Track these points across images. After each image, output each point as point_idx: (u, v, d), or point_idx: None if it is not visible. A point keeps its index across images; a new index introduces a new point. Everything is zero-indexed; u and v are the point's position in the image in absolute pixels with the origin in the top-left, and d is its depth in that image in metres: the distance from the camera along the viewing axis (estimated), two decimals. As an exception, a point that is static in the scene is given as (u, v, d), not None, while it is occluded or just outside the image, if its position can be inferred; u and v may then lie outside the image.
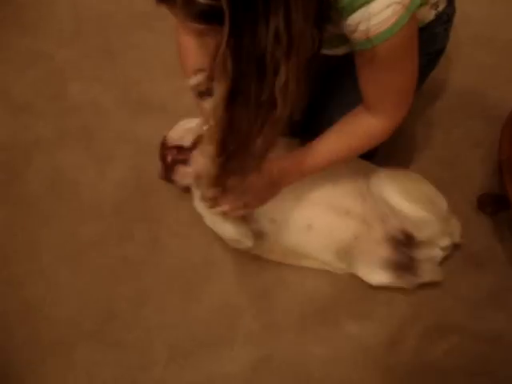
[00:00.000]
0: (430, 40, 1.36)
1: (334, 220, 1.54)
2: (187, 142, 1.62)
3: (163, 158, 1.68)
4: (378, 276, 1.52)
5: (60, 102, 1.99)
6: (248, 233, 1.54)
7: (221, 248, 1.69)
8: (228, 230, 1.53)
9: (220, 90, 1.00)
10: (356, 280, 1.60)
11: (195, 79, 1.34)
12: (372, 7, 0.99)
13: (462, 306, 1.60)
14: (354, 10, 1.01)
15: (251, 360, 1.56)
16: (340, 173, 1.55)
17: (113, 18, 2.16)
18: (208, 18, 0.92)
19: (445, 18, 1.37)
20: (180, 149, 1.64)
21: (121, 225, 1.76)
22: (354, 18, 1.02)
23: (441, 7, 1.32)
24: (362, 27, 1.02)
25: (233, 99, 1.00)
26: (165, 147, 1.67)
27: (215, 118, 1.05)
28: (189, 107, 1.81)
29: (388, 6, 0.99)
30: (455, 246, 1.63)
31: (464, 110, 1.91)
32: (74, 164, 1.87)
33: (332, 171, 1.47)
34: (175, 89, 1.98)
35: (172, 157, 1.65)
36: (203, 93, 1.32)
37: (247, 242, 1.54)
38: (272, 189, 1.38)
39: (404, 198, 1.47)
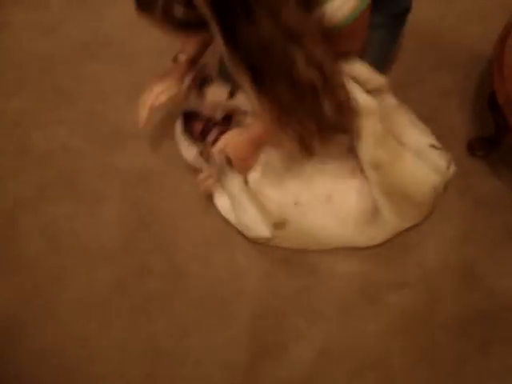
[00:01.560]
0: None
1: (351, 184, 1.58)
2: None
3: None
4: None
5: (27, 155, 1.90)
6: (267, 222, 1.57)
7: (244, 258, 1.68)
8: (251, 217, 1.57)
9: (243, 80, 1.12)
10: (382, 252, 1.64)
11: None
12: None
13: (485, 252, 1.66)
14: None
15: (309, 357, 1.56)
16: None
17: (54, 56, 2.07)
18: (187, 26, 1.07)
19: None
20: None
21: (135, 261, 1.72)
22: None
23: None
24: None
25: (261, 84, 1.11)
26: None
27: (255, 105, 1.17)
28: (161, 130, 1.80)
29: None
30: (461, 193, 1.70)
31: (424, 64, 1.98)
32: (65, 214, 1.80)
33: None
34: (142, 112, 1.93)
35: None
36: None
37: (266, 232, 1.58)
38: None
39: None
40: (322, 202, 1.57)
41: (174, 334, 1.61)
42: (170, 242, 1.73)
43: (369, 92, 1.48)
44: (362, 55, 1.42)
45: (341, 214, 1.58)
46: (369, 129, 1.41)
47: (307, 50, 1.08)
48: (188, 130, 1.67)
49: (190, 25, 1.08)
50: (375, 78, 1.50)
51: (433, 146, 1.57)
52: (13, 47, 2.12)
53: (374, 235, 1.62)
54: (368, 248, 1.65)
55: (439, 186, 1.55)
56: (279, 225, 1.59)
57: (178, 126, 1.70)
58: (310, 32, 1.08)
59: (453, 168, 1.58)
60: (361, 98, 1.38)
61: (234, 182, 1.58)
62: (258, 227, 1.58)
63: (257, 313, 1.62)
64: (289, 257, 1.67)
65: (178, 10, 1.06)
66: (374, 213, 1.57)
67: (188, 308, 1.65)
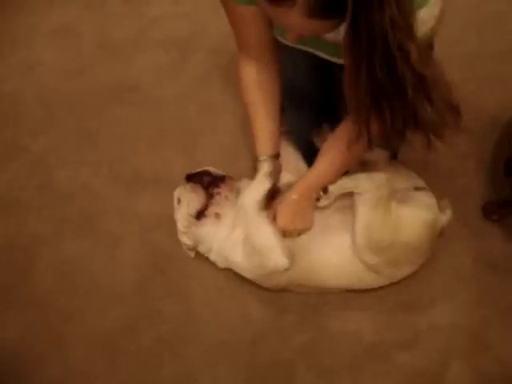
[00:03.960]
0: None
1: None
2: None
3: None
4: None
5: (49, 193, 1.95)
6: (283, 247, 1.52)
7: (255, 306, 1.69)
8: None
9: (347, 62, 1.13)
10: (394, 311, 1.64)
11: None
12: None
13: (497, 317, 1.66)
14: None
15: (316, 412, 1.56)
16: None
17: (82, 97, 2.14)
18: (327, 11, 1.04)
19: None
20: None
21: (147, 305, 1.73)
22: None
23: None
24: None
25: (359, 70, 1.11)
26: None
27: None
28: (181, 175, 1.83)
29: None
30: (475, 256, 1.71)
31: (442, 127, 2.02)
32: (81, 253, 1.82)
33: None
34: (163, 158, 1.99)
35: None
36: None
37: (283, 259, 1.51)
38: (302, 210, 1.51)
39: None
40: (322, 235, 1.57)
41: (182, 379, 1.61)
42: (183, 288, 1.74)
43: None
44: None
45: (348, 251, 1.56)
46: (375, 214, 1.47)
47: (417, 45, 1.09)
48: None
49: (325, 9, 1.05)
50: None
51: (417, 188, 1.60)
52: (43, 86, 2.19)
53: (376, 278, 1.61)
54: (379, 306, 1.66)
55: (432, 223, 1.54)
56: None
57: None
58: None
59: (449, 212, 1.59)
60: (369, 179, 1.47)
61: (249, 203, 1.55)
62: (276, 253, 1.50)
63: (266, 362, 1.62)
64: (301, 310, 1.68)
65: None
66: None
67: (197, 354, 1.65)
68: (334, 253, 1.57)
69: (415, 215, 1.51)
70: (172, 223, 1.75)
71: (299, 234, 1.55)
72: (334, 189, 1.49)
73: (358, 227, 1.48)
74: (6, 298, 1.77)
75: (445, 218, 1.58)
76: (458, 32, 2.21)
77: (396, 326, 1.65)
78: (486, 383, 1.56)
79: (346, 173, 1.52)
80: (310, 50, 1.46)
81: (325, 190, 1.49)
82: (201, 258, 1.74)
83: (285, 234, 1.52)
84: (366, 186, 1.48)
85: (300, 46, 1.45)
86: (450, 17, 2.24)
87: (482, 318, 1.65)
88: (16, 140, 2.05)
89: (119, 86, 2.17)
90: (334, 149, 1.46)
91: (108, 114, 2.09)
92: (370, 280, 1.60)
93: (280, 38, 1.41)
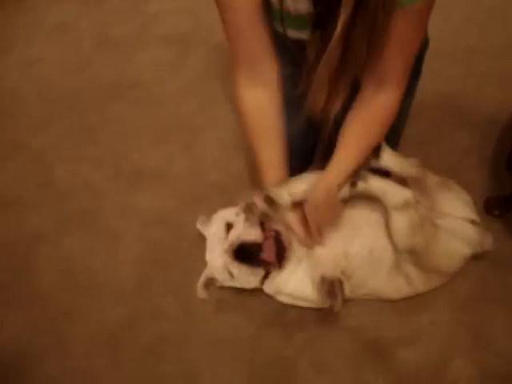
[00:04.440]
0: None
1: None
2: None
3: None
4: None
5: (49, 190, 1.94)
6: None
7: (257, 303, 1.68)
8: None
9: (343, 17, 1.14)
10: (395, 307, 1.64)
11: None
12: None
13: (499, 313, 1.65)
14: None
15: (318, 409, 1.56)
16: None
17: (82, 94, 2.14)
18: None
19: None
20: None
21: (148, 302, 1.72)
22: None
23: None
24: None
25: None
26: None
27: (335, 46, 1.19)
28: (183, 171, 1.83)
29: None
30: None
31: (444, 122, 2.01)
32: (82, 250, 1.82)
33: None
34: (165, 154, 1.98)
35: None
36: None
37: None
38: (329, 206, 1.46)
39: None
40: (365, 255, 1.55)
41: (182, 377, 1.61)
42: (184, 285, 1.73)
43: (403, 180, 1.53)
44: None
45: (377, 263, 1.57)
46: (405, 220, 1.43)
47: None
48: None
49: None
50: (407, 167, 1.55)
51: (472, 221, 1.59)
52: (43, 83, 2.19)
53: (400, 287, 1.62)
54: (380, 302, 1.65)
55: (468, 256, 1.58)
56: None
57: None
58: None
59: (488, 244, 1.61)
60: (395, 193, 1.42)
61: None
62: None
63: (267, 359, 1.62)
64: (302, 307, 1.67)
65: None
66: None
67: (199, 352, 1.64)
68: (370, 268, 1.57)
69: (461, 251, 1.56)
70: (173, 220, 1.76)
71: (330, 223, 1.52)
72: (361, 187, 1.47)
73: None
74: (7, 296, 1.76)
75: (484, 248, 1.61)
76: (459, 26, 2.21)
77: (397, 322, 1.64)
78: (488, 379, 1.55)
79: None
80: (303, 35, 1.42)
81: (353, 184, 1.46)
82: (201, 254, 1.74)
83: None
84: (393, 200, 1.45)
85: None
86: (451, 11, 2.25)
87: (484, 314, 1.64)
88: (16, 137, 2.05)
89: (120, 82, 2.17)
90: (350, 136, 1.43)
91: (108, 111, 2.09)
92: (391, 292, 1.63)
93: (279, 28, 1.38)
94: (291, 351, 1.63)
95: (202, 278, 1.56)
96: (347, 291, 1.53)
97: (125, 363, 1.65)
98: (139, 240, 1.82)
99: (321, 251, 1.54)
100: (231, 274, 1.50)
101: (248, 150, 1.90)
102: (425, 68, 2.04)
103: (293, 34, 1.35)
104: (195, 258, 1.74)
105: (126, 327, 1.69)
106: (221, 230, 1.52)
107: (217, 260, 1.51)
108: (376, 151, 1.51)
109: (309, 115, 1.52)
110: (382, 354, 1.61)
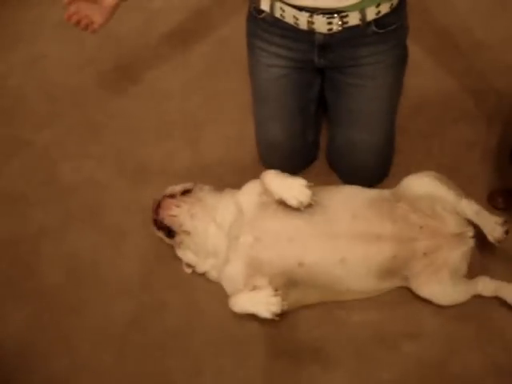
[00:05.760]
0: None
1: (366, 248, 1.57)
2: None
3: None
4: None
5: (54, 186, 1.95)
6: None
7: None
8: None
9: None
10: (399, 301, 1.64)
11: None
12: None
13: (505, 305, 1.63)
14: None
15: (325, 404, 1.56)
16: (357, 204, 1.61)
17: (85, 90, 2.14)
18: None
19: None
20: None
21: (153, 297, 1.73)
22: None
23: None
24: None
25: None
26: None
27: None
28: (187, 166, 1.83)
29: None
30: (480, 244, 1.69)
31: (447, 116, 2.01)
32: (86, 246, 1.82)
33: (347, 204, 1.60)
34: (169, 150, 1.99)
35: None
36: None
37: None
38: None
39: None
40: (337, 265, 1.55)
41: (187, 370, 1.61)
42: (187, 280, 1.74)
43: None
44: None
45: (359, 271, 1.58)
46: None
47: None
48: None
49: None
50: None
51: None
52: (47, 80, 2.19)
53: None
54: (385, 296, 1.65)
55: None
56: (292, 284, 1.56)
57: None
58: None
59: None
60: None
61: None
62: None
63: (271, 355, 1.62)
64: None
65: None
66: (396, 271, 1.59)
67: (203, 346, 1.65)
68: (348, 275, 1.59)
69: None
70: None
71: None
72: None
73: None
74: (12, 292, 1.77)
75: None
76: (463, 19, 2.20)
77: (402, 315, 1.64)
78: (493, 372, 1.55)
79: None
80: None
81: None
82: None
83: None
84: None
85: None
86: (455, 4, 2.25)
87: (489, 306, 1.64)
88: (20, 134, 2.05)
89: (123, 78, 2.17)
90: None
91: (113, 107, 2.10)
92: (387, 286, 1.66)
93: None
94: (295, 345, 1.63)
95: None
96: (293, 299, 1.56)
97: (130, 358, 1.65)
98: (143, 236, 1.82)
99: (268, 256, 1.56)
100: None
101: (253, 145, 1.91)
102: (428, 62, 2.08)
103: None
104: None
105: (131, 322, 1.69)
106: None
107: None
108: None
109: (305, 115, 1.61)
110: (387, 347, 1.61)
